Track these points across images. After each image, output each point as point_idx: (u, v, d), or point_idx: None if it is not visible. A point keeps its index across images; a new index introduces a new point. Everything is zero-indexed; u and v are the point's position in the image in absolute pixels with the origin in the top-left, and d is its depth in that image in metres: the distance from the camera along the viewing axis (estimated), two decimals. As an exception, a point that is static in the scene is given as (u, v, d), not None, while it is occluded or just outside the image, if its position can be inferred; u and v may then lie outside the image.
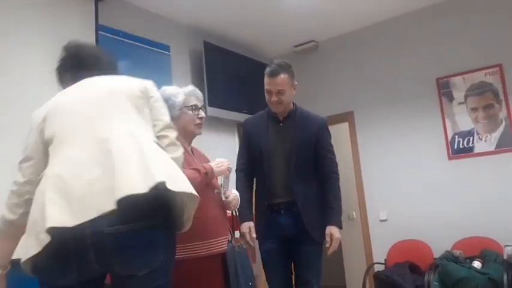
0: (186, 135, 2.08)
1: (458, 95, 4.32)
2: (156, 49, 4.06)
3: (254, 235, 2.45)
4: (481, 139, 4.17)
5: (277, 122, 2.57)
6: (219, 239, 1.94)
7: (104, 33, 3.63)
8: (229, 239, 2.05)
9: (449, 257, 3.80)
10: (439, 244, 4.08)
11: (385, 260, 4.36)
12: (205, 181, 1.94)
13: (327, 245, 2.42)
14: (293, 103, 2.61)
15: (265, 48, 5.35)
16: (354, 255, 5.14)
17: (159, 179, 1.24)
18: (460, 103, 4.31)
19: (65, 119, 1.44)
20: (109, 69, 1.66)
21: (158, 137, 1.48)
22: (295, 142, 2.48)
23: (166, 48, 4.17)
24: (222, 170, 2.05)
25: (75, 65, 1.66)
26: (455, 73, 4.34)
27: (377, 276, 4.02)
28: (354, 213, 5.15)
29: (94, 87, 1.54)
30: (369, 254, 4.67)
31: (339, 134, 5.18)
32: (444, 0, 4.44)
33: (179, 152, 1.52)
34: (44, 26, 3.19)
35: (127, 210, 1.21)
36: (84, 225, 1.20)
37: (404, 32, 4.67)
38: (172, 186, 1.27)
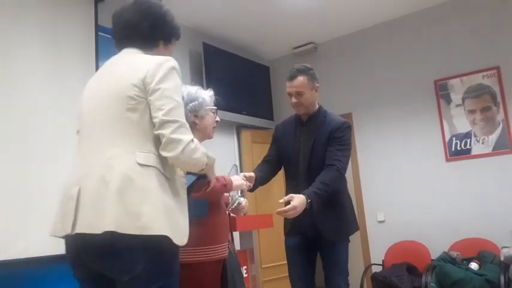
0: (204, 137, 2.12)
1: (456, 97, 4.34)
2: (155, 50, 4.07)
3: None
4: (478, 141, 4.19)
5: (301, 125, 2.65)
6: (225, 244, 1.99)
7: (103, 35, 3.63)
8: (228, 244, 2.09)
9: (446, 258, 3.81)
10: (437, 245, 4.10)
11: (383, 261, 4.37)
12: (222, 191, 2.00)
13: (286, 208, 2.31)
14: (319, 105, 2.68)
15: (264, 50, 5.37)
16: (351, 256, 5.14)
17: (107, 228, 1.29)
18: (457, 105, 4.34)
19: (81, 119, 1.57)
20: (145, 42, 1.61)
21: (158, 135, 1.43)
22: (312, 143, 2.52)
23: (166, 49, 4.18)
24: (240, 184, 2.14)
25: (115, 39, 1.66)
26: (453, 75, 4.36)
27: (375, 277, 4.03)
28: (352, 214, 5.16)
29: (102, 81, 1.56)
30: (366, 255, 4.68)
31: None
32: (442, 3, 4.46)
33: (176, 150, 1.39)
34: (43, 27, 3.20)
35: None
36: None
37: (403, 34, 4.69)
38: (125, 230, 1.30)
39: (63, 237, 1.43)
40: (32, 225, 2.86)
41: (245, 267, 4.19)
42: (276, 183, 5.10)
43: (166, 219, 1.36)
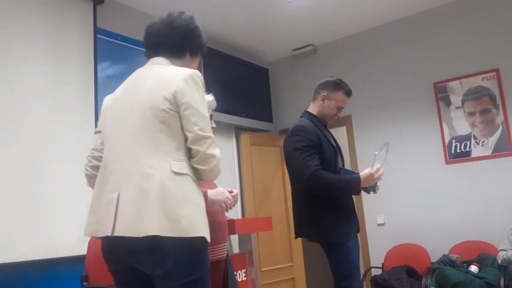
0: None
1: (456, 99, 4.34)
2: (154, 52, 4.06)
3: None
4: (478, 143, 4.19)
5: (325, 126, 2.76)
6: (222, 245, 1.95)
7: (102, 37, 3.63)
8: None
9: (446, 261, 3.80)
10: (436, 248, 4.09)
11: (383, 264, 4.36)
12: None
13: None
14: None
15: (263, 52, 5.37)
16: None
17: (150, 233, 1.40)
18: (457, 107, 4.33)
19: (111, 124, 1.66)
20: (172, 52, 1.73)
21: (190, 150, 1.55)
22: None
23: (165, 51, 4.17)
24: (219, 199, 1.94)
25: (145, 48, 1.80)
26: (453, 77, 4.36)
27: (374, 280, 4.02)
28: (352, 217, 5.15)
29: (132, 92, 1.65)
30: (366, 258, 4.67)
31: (336, 138, 5.19)
32: (441, 5, 4.46)
33: (211, 164, 1.55)
34: (42, 29, 3.19)
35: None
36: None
37: (402, 36, 4.69)
38: (167, 233, 1.41)
39: (101, 238, 1.54)
40: (30, 229, 2.85)
41: (244, 270, 4.17)
42: (276, 186, 5.11)
43: (203, 220, 1.50)
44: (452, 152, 4.30)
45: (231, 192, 2.04)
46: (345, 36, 5.07)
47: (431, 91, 4.47)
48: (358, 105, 4.89)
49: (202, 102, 1.58)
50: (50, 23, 3.24)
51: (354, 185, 2.48)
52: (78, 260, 2.84)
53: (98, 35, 3.56)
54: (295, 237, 2.71)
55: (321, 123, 2.70)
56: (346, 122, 4.96)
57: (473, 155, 4.20)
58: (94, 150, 1.75)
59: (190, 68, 1.70)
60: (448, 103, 4.38)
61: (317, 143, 2.54)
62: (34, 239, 2.84)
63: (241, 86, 4.97)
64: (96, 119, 3.38)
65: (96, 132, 1.78)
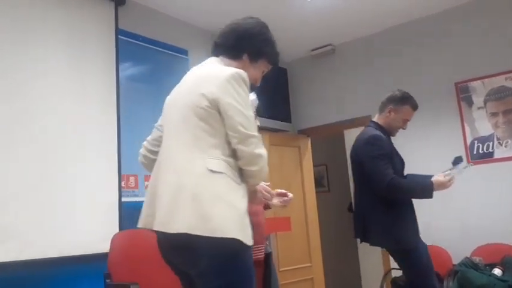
0: None
1: (478, 99, 4.27)
2: (174, 53, 4.10)
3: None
4: (501, 144, 4.11)
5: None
6: (260, 246, 1.93)
7: (123, 38, 3.68)
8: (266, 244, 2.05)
9: (468, 263, 3.74)
10: (459, 250, 4.02)
11: (403, 265, 4.30)
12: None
13: None
14: None
15: (282, 52, 5.29)
16: (370, 261, 5.11)
17: (180, 230, 1.42)
18: (479, 108, 4.26)
19: (165, 120, 1.72)
20: (228, 53, 1.75)
21: (234, 151, 1.53)
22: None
23: (185, 52, 4.21)
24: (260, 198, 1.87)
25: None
26: (475, 77, 4.29)
27: (395, 282, 3.98)
28: (371, 218, 5.11)
29: (179, 90, 1.69)
30: (386, 259, 4.62)
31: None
32: (463, 4, 4.39)
33: (259, 164, 1.52)
34: (64, 30, 3.25)
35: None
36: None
37: (423, 35, 4.63)
38: (196, 231, 1.39)
39: (151, 230, 1.58)
40: (53, 226, 2.91)
41: (263, 270, 4.18)
42: (294, 186, 5.10)
43: (237, 222, 1.44)
44: (475, 153, 4.23)
45: (285, 195, 2.00)
46: (364, 36, 5.04)
47: (453, 91, 4.40)
48: (378, 105, 4.84)
49: (244, 101, 1.54)
50: (71, 24, 3.29)
51: (428, 190, 2.65)
52: (101, 257, 2.88)
53: (119, 36, 3.60)
54: (361, 242, 2.87)
55: (387, 134, 2.82)
56: (365, 122, 4.89)
57: (496, 156, 4.13)
58: (147, 142, 1.80)
59: (249, 72, 1.69)
60: (470, 103, 4.31)
61: (390, 153, 2.71)
62: (57, 236, 2.89)
63: (260, 86, 4.95)
64: (118, 119, 3.43)
65: (156, 126, 1.81)
